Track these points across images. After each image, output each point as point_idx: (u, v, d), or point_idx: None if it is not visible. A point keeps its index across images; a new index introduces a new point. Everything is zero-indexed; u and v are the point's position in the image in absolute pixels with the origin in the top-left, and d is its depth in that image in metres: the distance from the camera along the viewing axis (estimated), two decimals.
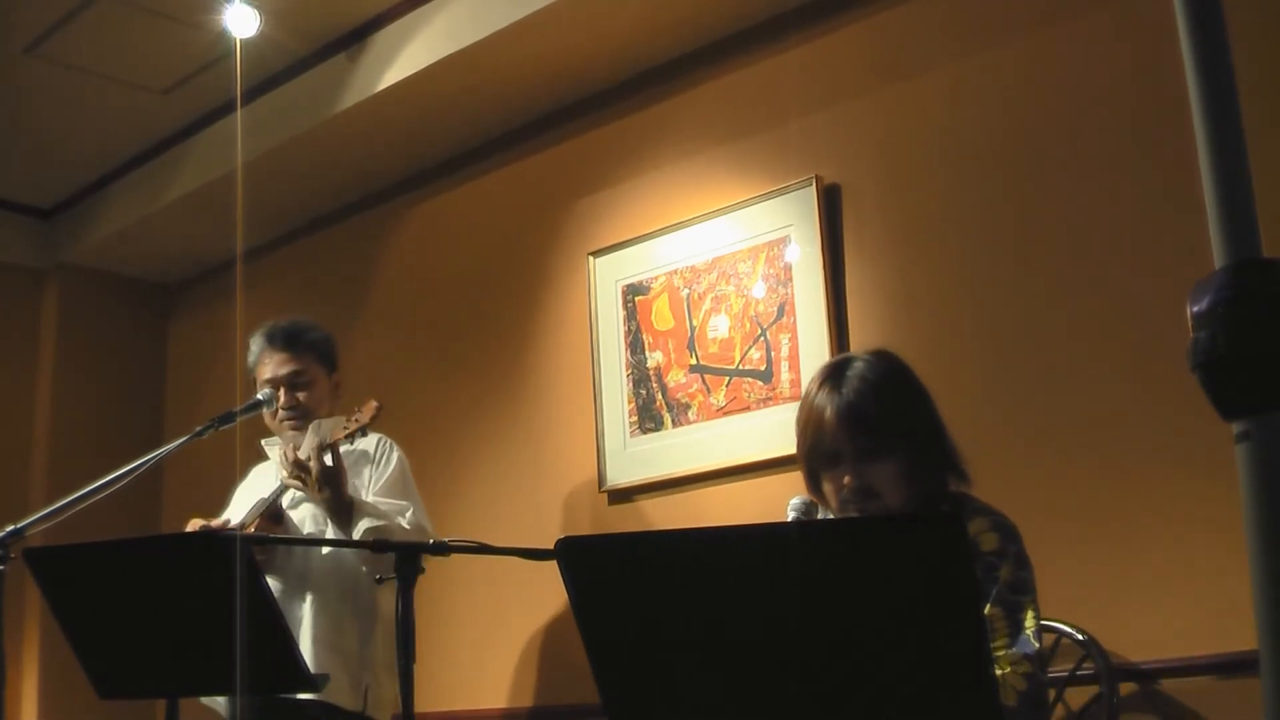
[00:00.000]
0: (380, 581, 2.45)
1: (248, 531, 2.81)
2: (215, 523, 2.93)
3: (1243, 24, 1.65)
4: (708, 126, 3.52)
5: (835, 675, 1.37)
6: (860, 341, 3.03)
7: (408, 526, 2.84)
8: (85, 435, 4.86)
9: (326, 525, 2.90)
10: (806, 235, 3.19)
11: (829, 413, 1.89)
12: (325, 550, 2.92)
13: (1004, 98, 2.95)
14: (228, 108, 4.17)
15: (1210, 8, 0.94)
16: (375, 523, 2.77)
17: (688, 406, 3.38)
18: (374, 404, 2.84)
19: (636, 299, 3.54)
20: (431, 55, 3.63)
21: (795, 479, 2.01)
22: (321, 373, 3.12)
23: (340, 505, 2.80)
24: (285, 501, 2.97)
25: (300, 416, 3.04)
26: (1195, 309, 0.90)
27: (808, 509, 1.90)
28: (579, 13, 3.37)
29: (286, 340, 3.10)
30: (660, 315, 3.49)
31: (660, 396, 3.44)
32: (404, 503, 2.92)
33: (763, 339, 3.25)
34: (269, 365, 3.09)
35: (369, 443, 3.05)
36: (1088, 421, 2.70)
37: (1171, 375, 2.27)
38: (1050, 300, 2.80)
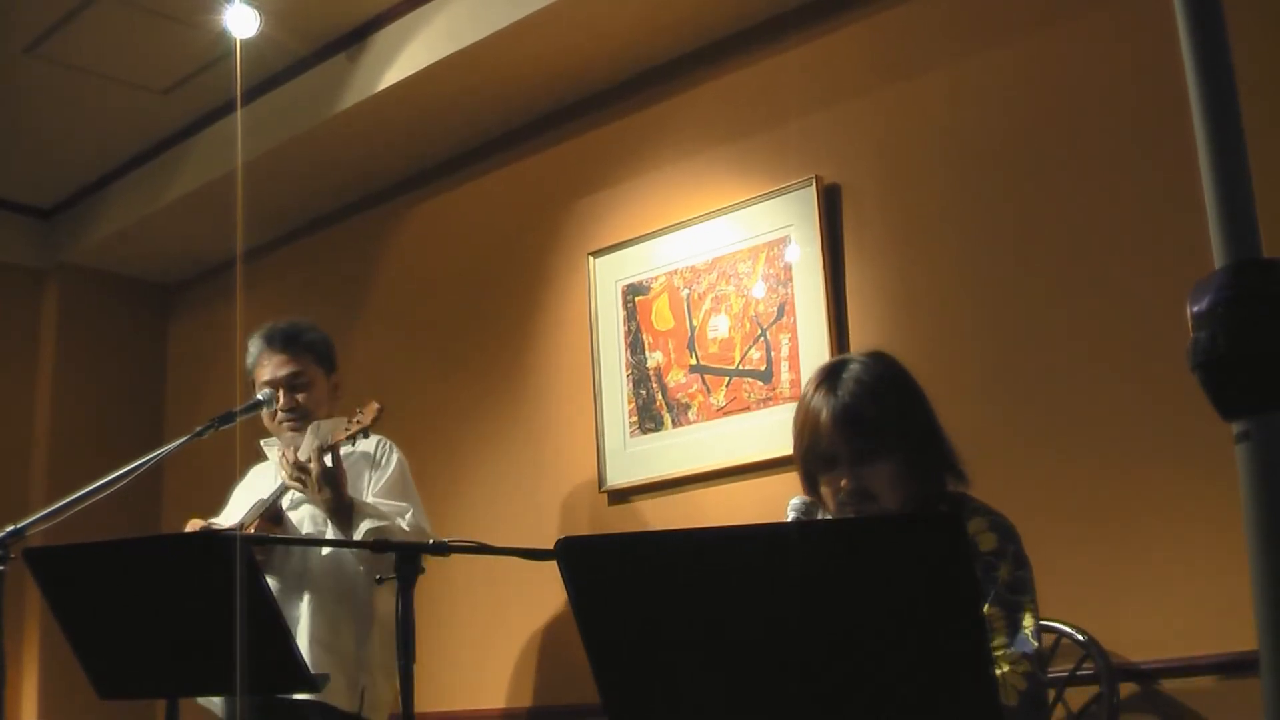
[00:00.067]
0: (380, 582, 2.45)
1: (247, 532, 2.81)
2: (215, 523, 2.93)
3: (1243, 24, 1.65)
4: (708, 126, 3.52)
5: (835, 675, 1.37)
6: (860, 342, 3.03)
7: (407, 528, 2.84)
8: (85, 435, 4.86)
9: (326, 526, 2.90)
10: (806, 235, 3.19)
11: (825, 415, 1.89)
12: (324, 551, 2.92)
13: (1004, 98, 2.95)
14: (228, 108, 4.17)
15: (1210, 8, 0.94)
16: (376, 523, 2.77)
17: (688, 407, 3.38)
18: (375, 405, 2.83)
19: (636, 299, 3.54)
20: (431, 55, 3.63)
21: (795, 479, 2.01)
22: (320, 374, 3.12)
23: (340, 506, 2.80)
24: (285, 502, 2.97)
25: (299, 418, 3.04)
26: (1195, 309, 0.90)
27: (808, 509, 1.90)
28: (579, 13, 3.37)
29: (285, 342, 3.10)
30: (660, 315, 3.49)
31: (660, 397, 3.44)
32: (404, 504, 2.92)
33: (763, 339, 3.25)
34: (268, 367, 3.09)
35: (369, 444, 3.05)
36: (1088, 421, 2.70)
37: (1171, 375, 2.27)
38: (1050, 300, 2.80)
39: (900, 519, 1.74)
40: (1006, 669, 1.74)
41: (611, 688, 1.50)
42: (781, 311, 3.22)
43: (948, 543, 1.31)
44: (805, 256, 3.19)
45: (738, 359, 3.30)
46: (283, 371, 3.07)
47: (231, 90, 3.92)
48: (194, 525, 2.91)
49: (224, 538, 2.53)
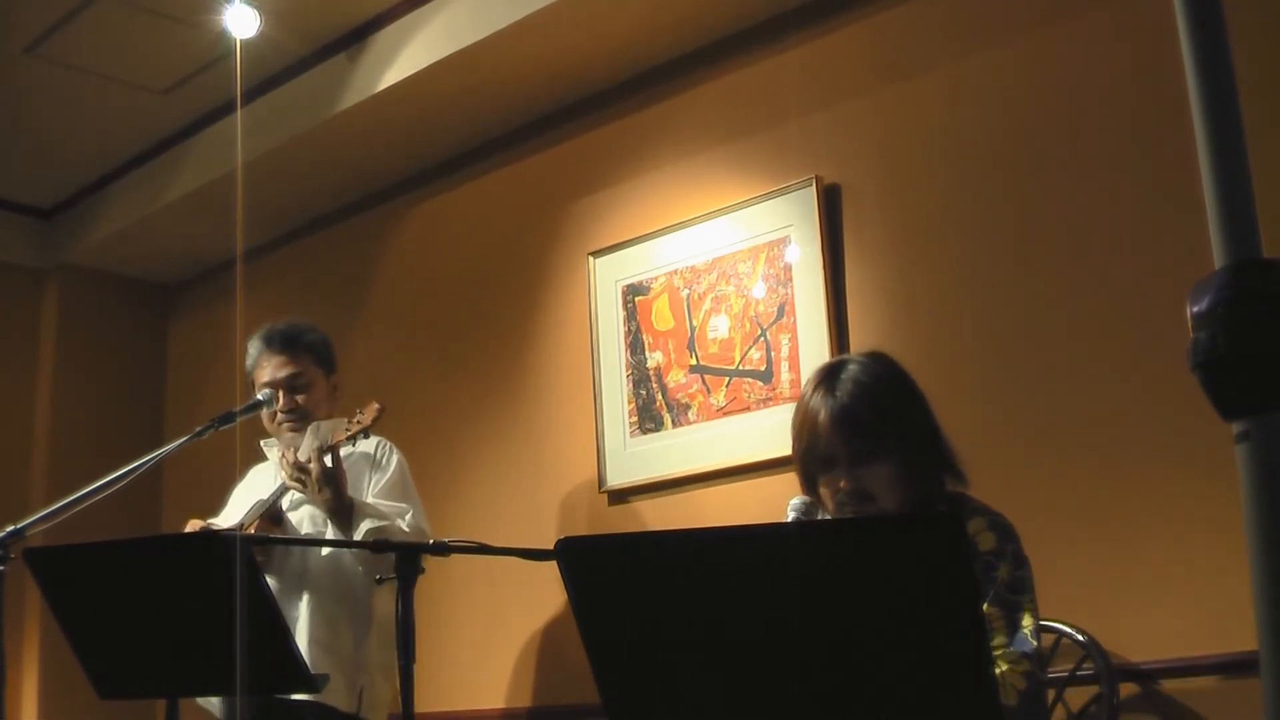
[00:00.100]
0: (380, 582, 2.45)
1: (247, 532, 2.81)
2: (214, 523, 2.93)
3: (1243, 24, 1.65)
4: (708, 126, 3.52)
5: (835, 675, 1.37)
6: (860, 342, 3.03)
7: (407, 529, 2.84)
8: (85, 435, 4.86)
9: (326, 527, 2.90)
10: (806, 235, 3.19)
11: (823, 416, 1.89)
12: (324, 551, 2.92)
13: (1004, 98, 2.95)
14: (228, 108, 4.17)
15: (1210, 8, 0.94)
16: (376, 523, 2.77)
17: (688, 407, 3.38)
18: (376, 405, 2.83)
19: (636, 299, 3.54)
20: (431, 55, 3.63)
21: (795, 479, 2.01)
22: (320, 375, 3.12)
23: (340, 507, 2.80)
24: (285, 503, 2.97)
25: (299, 419, 3.04)
26: (1195, 309, 0.90)
27: (808, 509, 1.90)
28: (579, 13, 3.37)
29: (284, 343, 3.10)
30: (660, 315, 3.49)
31: (660, 397, 3.44)
32: (404, 505, 2.92)
33: (763, 339, 3.25)
34: (267, 368, 3.09)
35: (369, 445, 3.05)
36: (1088, 421, 2.70)
37: (1171, 375, 2.27)
38: (1050, 300, 2.80)
39: (900, 519, 1.74)
40: (1006, 668, 1.74)
41: (611, 688, 1.50)
42: (781, 312, 3.22)
43: (948, 543, 1.31)
44: (805, 256, 3.19)
45: (738, 359, 3.30)
46: (282, 373, 3.07)
47: (231, 90, 3.92)
48: (193, 526, 2.91)
49: (224, 538, 2.53)
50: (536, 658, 3.64)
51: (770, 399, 3.21)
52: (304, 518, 3.00)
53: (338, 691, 2.82)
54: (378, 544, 2.23)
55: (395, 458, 3.06)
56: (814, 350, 3.10)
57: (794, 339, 3.18)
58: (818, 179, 3.19)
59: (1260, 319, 0.87)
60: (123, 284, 5.17)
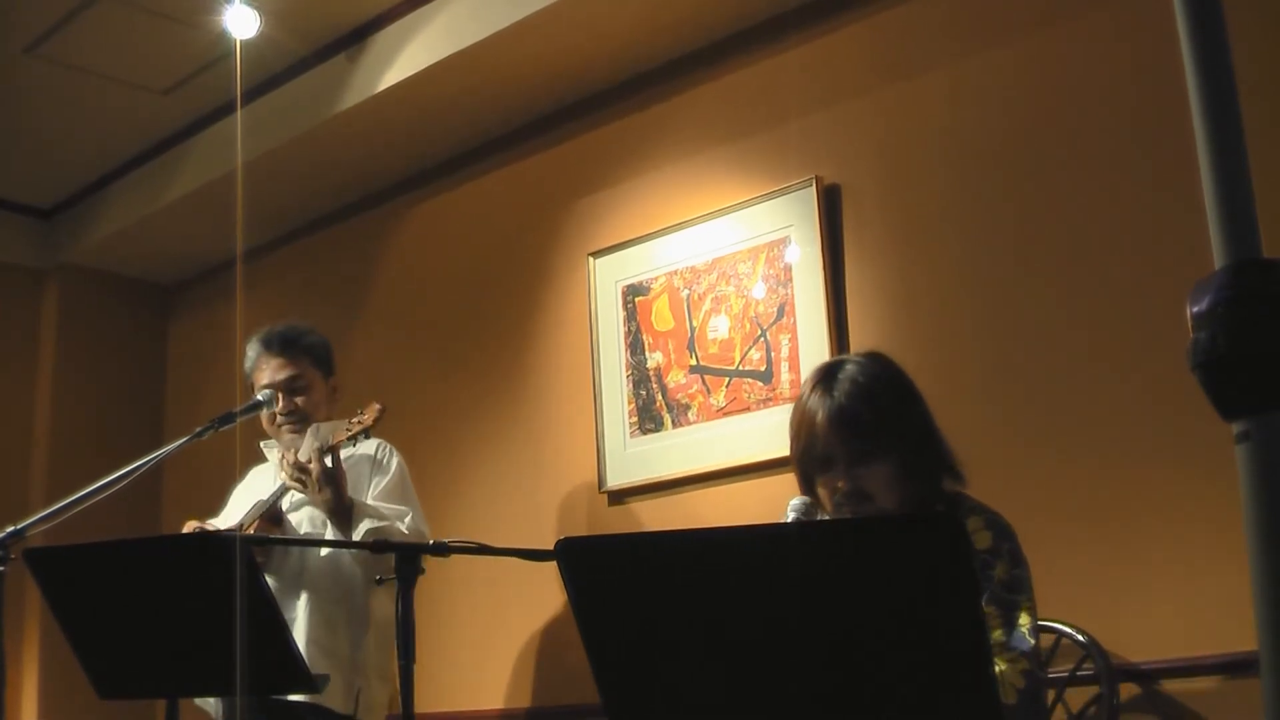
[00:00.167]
0: (380, 582, 2.45)
1: (247, 532, 2.81)
2: (210, 525, 2.93)
3: (1243, 24, 1.65)
4: (708, 126, 3.52)
5: (835, 675, 1.37)
6: (860, 342, 3.03)
7: (406, 531, 2.84)
8: (85, 435, 4.86)
9: (325, 528, 2.90)
10: (806, 235, 3.19)
11: (821, 416, 1.90)
12: (323, 552, 2.92)
13: (1004, 98, 2.95)
14: (228, 108, 4.17)
15: (1210, 8, 0.94)
16: (375, 524, 2.78)
17: (688, 407, 3.38)
18: (376, 406, 2.83)
19: (636, 299, 3.54)
20: (431, 56, 3.63)
21: (795, 480, 2.01)
22: (318, 377, 3.12)
23: (340, 507, 2.80)
24: (285, 504, 2.97)
25: (298, 421, 3.04)
26: (1195, 309, 0.90)
27: (808, 510, 1.90)
28: (579, 13, 3.37)
29: (283, 345, 3.10)
30: (660, 316, 3.49)
31: (660, 397, 3.44)
32: (403, 508, 2.92)
33: (763, 339, 3.25)
34: (266, 370, 3.09)
35: (370, 447, 3.05)
36: (1088, 421, 2.70)
37: (1171, 375, 2.27)
38: (1050, 300, 2.80)
39: (901, 519, 1.74)
40: (1005, 667, 1.75)
41: (611, 688, 1.50)
42: (781, 312, 3.22)
43: (948, 543, 1.31)
44: (805, 257, 3.19)
45: (738, 359, 3.30)
46: (281, 375, 3.07)
47: (231, 90, 3.92)
48: (191, 526, 2.91)
49: (223, 538, 2.53)
50: (536, 658, 3.64)
51: (770, 399, 3.21)
52: (304, 519, 3.00)
53: (334, 693, 2.82)
54: (378, 544, 2.23)
55: (396, 460, 3.06)
56: (814, 351, 3.10)
57: (794, 339, 3.18)
58: (818, 179, 3.19)
59: (1260, 319, 0.87)
60: (123, 284, 5.17)
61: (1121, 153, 2.73)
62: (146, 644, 2.21)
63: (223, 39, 3.70)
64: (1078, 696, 2.50)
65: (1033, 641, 1.79)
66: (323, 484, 2.78)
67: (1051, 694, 2.39)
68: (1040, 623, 1.87)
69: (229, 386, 3.79)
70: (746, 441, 3.22)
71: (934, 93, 3.07)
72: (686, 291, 3.44)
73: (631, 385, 3.51)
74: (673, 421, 3.41)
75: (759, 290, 3.28)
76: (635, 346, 3.52)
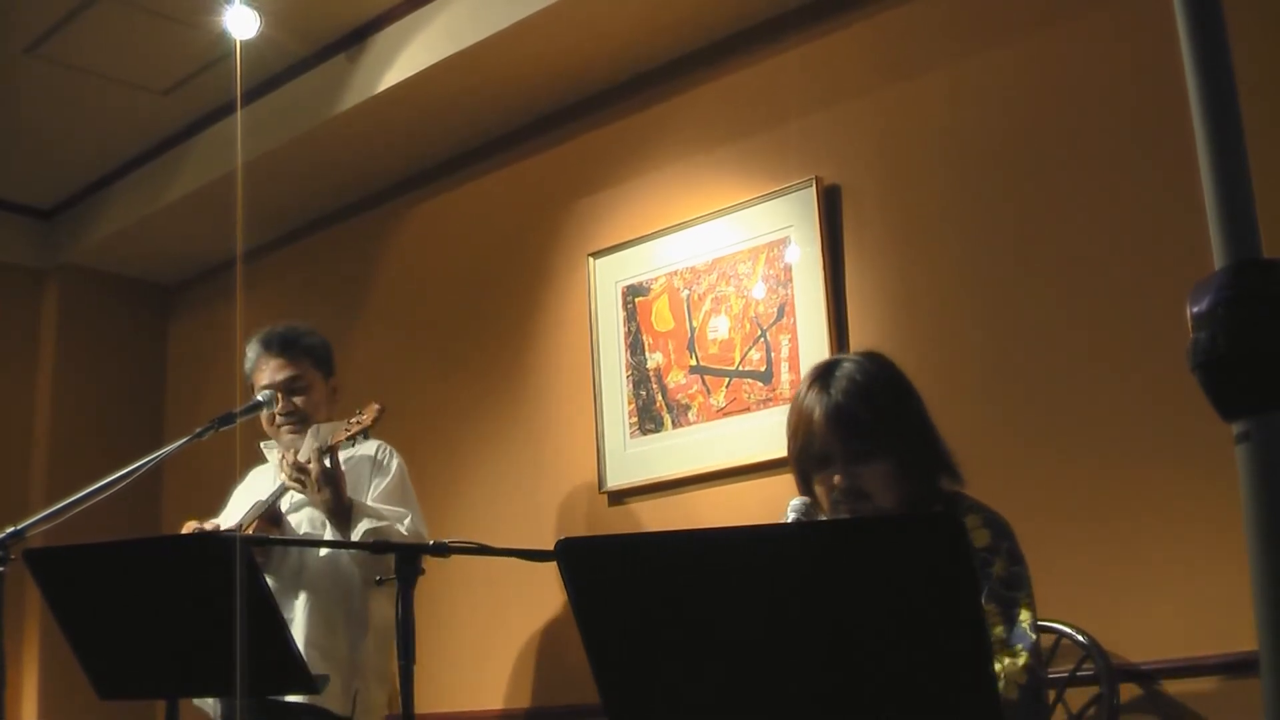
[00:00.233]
0: (380, 583, 2.44)
1: (246, 533, 2.81)
2: (209, 525, 2.93)
3: (1243, 24, 1.65)
4: (708, 126, 3.52)
5: (835, 675, 1.37)
6: (860, 342, 3.03)
7: (405, 533, 2.84)
8: (85, 435, 4.86)
9: (324, 528, 2.90)
10: (806, 236, 3.19)
11: (818, 414, 1.90)
12: (322, 553, 2.92)
13: (1004, 98, 2.95)
14: (228, 108, 4.17)
15: (1210, 8, 0.93)
16: (375, 524, 2.78)
17: (688, 407, 3.38)
18: (376, 406, 2.83)
19: (636, 300, 3.54)
20: (431, 56, 3.63)
21: (794, 480, 2.01)
22: (318, 377, 3.12)
23: (339, 508, 2.80)
24: (285, 504, 2.97)
25: (298, 421, 3.04)
26: (1195, 309, 0.90)
27: (808, 510, 1.90)
28: (579, 13, 3.37)
29: (283, 346, 3.10)
30: (660, 316, 3.49)
31: (660, 397, 3.44)
32: (402, 510, 2.92)
33: (763, 340, 3.25)
34: (266, 371, 3.09)
35: (370, 447, 3.05)
36: (1088, 421, 2.70)
37: (1171, 375, 2.27)
38: (1050, 300, 2.80)
39: (900, 519, 1.74)
40: (1006, 664, 1.75)
41: (611, 688, 1.50)
42: (781, 312, 3.22)
43: (948, 542, 1.31)
44: (805, 257, 3.19)
45: (738, 360, 3.30)
46: (281, 375, 3.07)
47: (231, 91, 3.92)
48: (190, 527, 2.91)
49: (223, 538, 2.53)
50: (536, 658, 3.64)
51: (770, 400, 3.21)
52: (303, 519, 3.00)
53: (333, 694, 2.82)
54: (377, 545, 2.23)
55: (396, 462, 3.06)
56: (814, 351, 3.10)
57: (794, 340, 3.18)
58: (818, 179, 3.19)
59: (1260, 319, 0.87)
60: (123, 284, 5.17)
61: (1121, 153, 2.73)
62: (146, 644, 2.21)
63: (223, 39, 3.70)
64: (1078, 697, 2.50)
65: (1034, 637, 1.79)
66: (322, 484, 2.78)
67: (1051, 694, 2.39)
68: (1040, 623, 1.87)
69: (229, 387, 3.79)
70: (746, 442, 3.22)
71: (934, 93, 3.07)
72: (686, 292, 3.44)
73: (631, 385, 3.51)
74: (673, 422, 3.41)
75: (759, 290, 3.28)
76: (635, 347, 3.52)
